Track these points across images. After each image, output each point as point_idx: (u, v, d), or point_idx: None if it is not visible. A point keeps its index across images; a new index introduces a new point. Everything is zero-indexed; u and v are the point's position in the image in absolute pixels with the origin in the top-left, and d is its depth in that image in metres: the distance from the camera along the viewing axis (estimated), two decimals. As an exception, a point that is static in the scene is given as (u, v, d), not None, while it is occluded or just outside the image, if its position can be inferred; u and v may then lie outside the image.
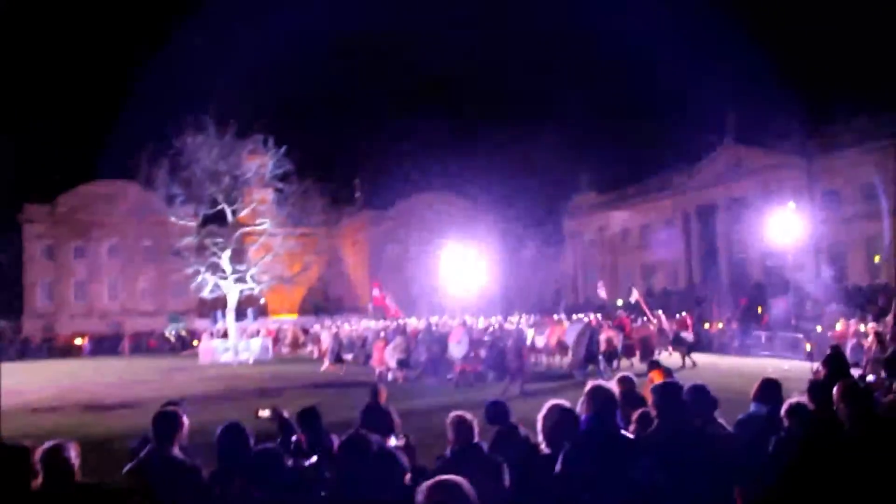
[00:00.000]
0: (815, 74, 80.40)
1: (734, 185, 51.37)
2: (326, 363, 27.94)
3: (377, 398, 8.61)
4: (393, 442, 5.87)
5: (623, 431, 4.71)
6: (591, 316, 29.14)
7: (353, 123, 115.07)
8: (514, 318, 32.82)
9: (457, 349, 22.52)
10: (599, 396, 4.67)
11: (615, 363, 23.33)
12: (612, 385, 4.88)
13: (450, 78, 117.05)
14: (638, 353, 24.70)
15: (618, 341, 23.56)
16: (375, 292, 29.52)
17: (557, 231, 73.06)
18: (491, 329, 24.85)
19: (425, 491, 3.00)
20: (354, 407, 9.71)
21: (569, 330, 24.62)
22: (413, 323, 32.46)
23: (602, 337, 23.22)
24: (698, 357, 25.36)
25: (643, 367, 20.24)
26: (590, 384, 4.80)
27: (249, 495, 4.24)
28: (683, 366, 23.70)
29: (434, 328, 28.44)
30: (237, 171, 39.93)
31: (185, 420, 4.91)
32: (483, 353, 22.66)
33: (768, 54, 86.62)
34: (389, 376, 22.94)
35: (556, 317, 32.17)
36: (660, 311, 29.26)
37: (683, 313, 30.61)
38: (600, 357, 22.53)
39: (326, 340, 28.41)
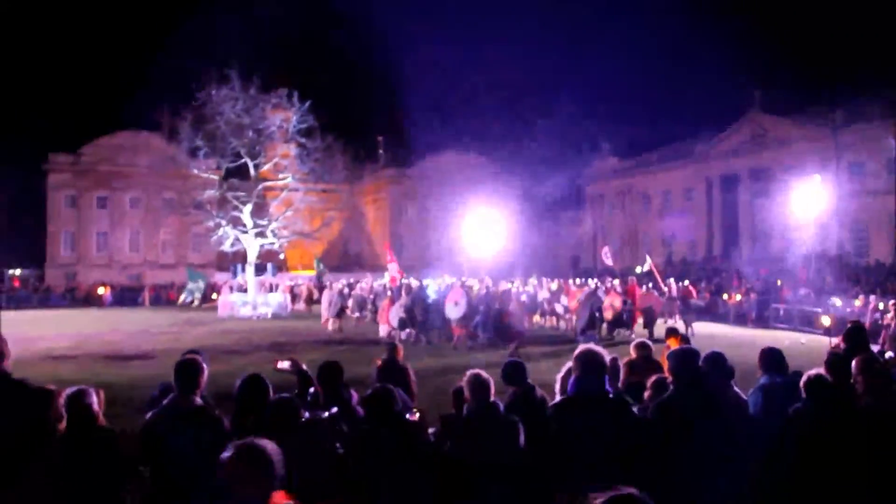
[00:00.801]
0: (842, 46, 78.96)
1: (758, 156, 50.93)
2: (324, 316, 27.70)
3: (395, 355, 8.55)
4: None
5: (610, 394, 4.68)
6: (592, 282, 29.14)
7: (378, 80, 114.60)
8: (533, 281, 32.83)
9: (454, 311, 21.97)
10: (585, 359, 4.66)
11: (616, 330, 23.14)
12: (602, 350, 4.74)
13: (476, 38, 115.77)
14: (641, 320, 24.38)
15: (619, 308, 23.16)
16: (388, 257, 29.37)
17: (578, 195, 72.84)
18: (484, 291, 24.35)
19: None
20: (368, 363, 9.78)
21: (581, 296, 24.15)
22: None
23: (606, 303, 23.10)
24: (716, 328, 25.15)
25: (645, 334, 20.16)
26: (580, 348, 4.80)
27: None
28: (686, 333, 23.48)
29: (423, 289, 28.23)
30: (260, 125, 39.72)
31: (206, 369, 4.92)
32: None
33: (795, 25, 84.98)
34: (391, 335, 22.37)
35: (575, 281, 32.07)
36: (671, 280, 29.14)
37: (686, 282, 30.46)
38: (604, 324, 22.37)
39: (326, 296, 28.35)
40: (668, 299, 26.12)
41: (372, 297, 29.74)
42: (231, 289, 40.20)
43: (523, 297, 25.65)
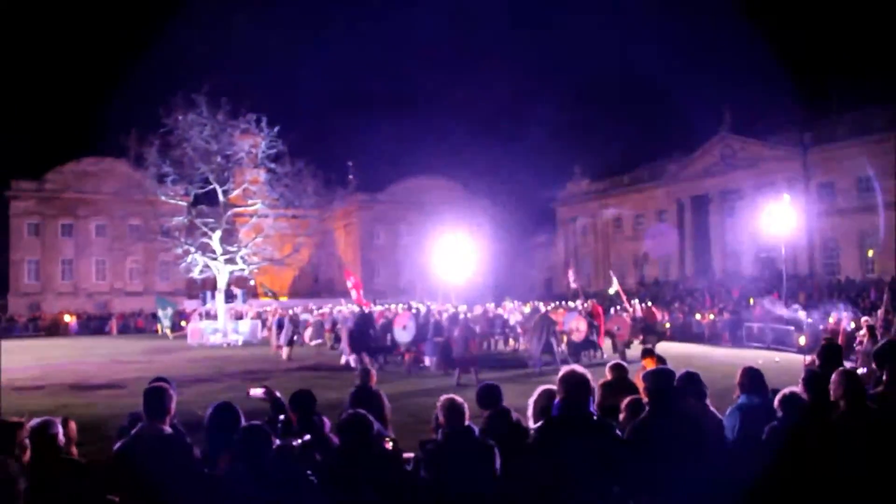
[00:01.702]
0: (810, 66, 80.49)
1: (728, 176, 51.44)
2: (274, 343, 27.55)
3: (368, 380, 8.50)
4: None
5: (595, 417, 4.67)
6: (545, 307, 29.18)
7: (348, 106, 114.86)
8: (509, 304, 32.88)
9: (402, 335, 22.05)
10: (571, 381, 4.64)
11: (582, 354, 23.00)
12: (586, 371, 4.73)
13: (448, 63, 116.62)
14: (609, 342, 24.57)
15: (584, 330, 23.15)
16: (349, 282, 29.17)
17: (550, 218, 73.06)
18: (437, 316, 24.14)
19: None
20: (339, 388, 9.64)
21: (566, 318, 24.55)
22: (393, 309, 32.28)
23: (572, 325, 23.22)
24: (691, 348, 25.13)
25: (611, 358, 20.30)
26: (563, 369, 4.78)
27: (236, 471, 4.24)
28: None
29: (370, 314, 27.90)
30: (229, 151, 39.58)
31: (175, 396, 4.89)
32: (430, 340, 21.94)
33: (764, 45, 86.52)
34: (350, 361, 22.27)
35: (551, 305, 32.13)
36: (635, 301, 29.24)
37: (649, 302, 30.56)
38: (561, 348, 22.30)
39: (276, 323, 28.29)
40: (633, 320, 26.13)
41: (330, 323, 29.55)
42: (200, 316, 39.85)
43: (475, 324, 25.12)
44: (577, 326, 23.23)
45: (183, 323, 40.88)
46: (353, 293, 27.80)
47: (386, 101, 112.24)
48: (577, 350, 23.06)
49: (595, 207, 66.84)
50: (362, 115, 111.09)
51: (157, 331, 43.89)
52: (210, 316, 39.57)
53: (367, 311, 24.56)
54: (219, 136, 38.50)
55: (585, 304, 27.38)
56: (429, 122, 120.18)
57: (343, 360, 22.95)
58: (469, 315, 26.99)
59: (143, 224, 44.56)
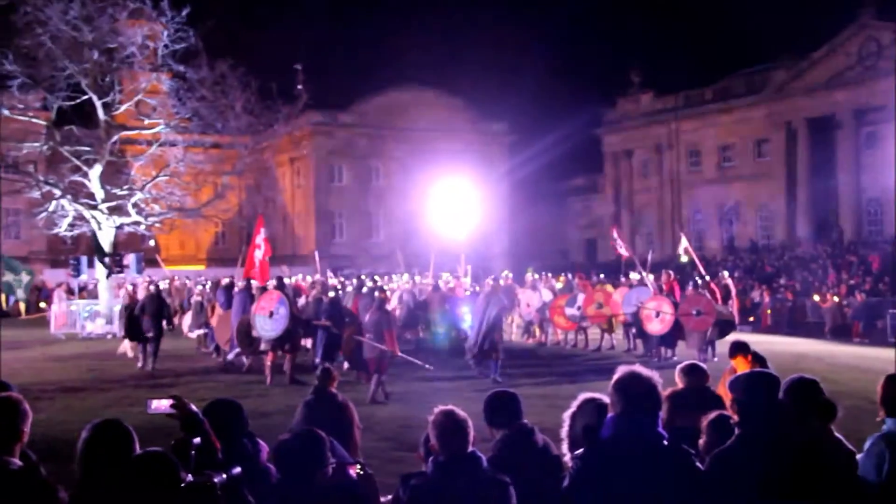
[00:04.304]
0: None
1: (869, 87, 50.69)
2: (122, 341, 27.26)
3: (327, 384, 9.12)
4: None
5: (665, 440, 4.68)
6: (580, 280, 28.99)
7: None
8: (530, 277, 32.57)
9: (267, 326, 21.57)
10: (632, 388, 4.68)
11: (669, 352, 23.79)
12: (653, 374, 4.72)
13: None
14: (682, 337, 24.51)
15: (669, 317, 23.42)
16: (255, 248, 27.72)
17: (593, 152, 72.72)
18: (327, 294, 24.42)
19: None
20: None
21: (626, 296, 25.25)
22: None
23: (649, 309, 23.55)
24: (803, 344, 24.77)
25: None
26: (622, 371, 4.83)
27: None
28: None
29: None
30: (112, 43, 38.72)
31: (29, 412, 4.95)
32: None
33: None
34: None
35: (594, 278, 31.64)
36: (725, 273, 28.76)
37: (706, 277, 29.73)
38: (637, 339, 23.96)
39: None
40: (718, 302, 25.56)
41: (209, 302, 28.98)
42: (71, 293, 39.11)
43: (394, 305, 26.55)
44: (658, 310, 23.44)
45: (43, 304, 40.23)
46: (258, 255, 26.48)
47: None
48: (652, 346, 23.94)
49: (661, 135, 66.77)
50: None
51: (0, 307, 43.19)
52: (85, 293, 38.95)
53: (255, 286, 24.55)
54: (93, 19, 37.59)
55: (667, 278, 26.97)
56: (417, 12, 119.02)
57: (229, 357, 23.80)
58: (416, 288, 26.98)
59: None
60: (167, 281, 40.47)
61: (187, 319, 29.82)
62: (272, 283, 25.86)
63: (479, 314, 21.64)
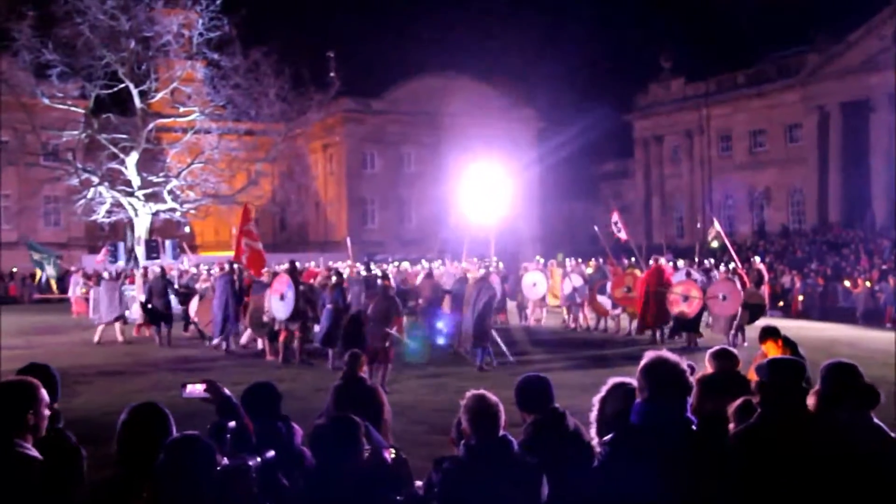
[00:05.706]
0: None
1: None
2: (99, 320, 27.39)
3: (356, 368, 9.10)
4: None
5: (693, 425, 4.65)
6: (611, 265, 30.23)
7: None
8: (560, 261, 32.54)
9: (279, 308, 21.82)
10: (660, 372, 4.64)
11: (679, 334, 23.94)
12: (680, 360, 4.68)
13: None
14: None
15: (697, 301, 23.34)
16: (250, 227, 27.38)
17: (623, 137, 72.63)
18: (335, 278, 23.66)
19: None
20: (311, 382, 9.38)
21: (674, 277, 25.15)
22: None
23: (677, 293, 23.47)
24: (836, 329, 24.67)
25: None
26: (649, 356, 4.77)
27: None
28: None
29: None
30: (148, 32, 39.33)
31: (45, 396, 4.92)
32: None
33: None
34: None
35: (624, 262, 31.67)
36: (756, 258, 28.82)
37: (732, 264, 29.64)
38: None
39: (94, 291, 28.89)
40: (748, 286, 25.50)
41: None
42: (87, 277, 39.11)
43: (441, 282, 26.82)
44: (686, 294, 23.42)
45: (83, 290, 40.45)
46: (247, 243, 26.37)
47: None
48: (677, 329, 23.91)
49: (691, 120, 66.59)
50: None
51: (33, 282, 43.08)
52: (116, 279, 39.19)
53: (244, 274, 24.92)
54: (130, 9, 38.09)
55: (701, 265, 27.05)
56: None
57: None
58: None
59: (16, 141, 44.00)
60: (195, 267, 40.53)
61: (194, 305, 29.48)
62: (284, 266, 26.36)
63: (469, 302, 21.30)
